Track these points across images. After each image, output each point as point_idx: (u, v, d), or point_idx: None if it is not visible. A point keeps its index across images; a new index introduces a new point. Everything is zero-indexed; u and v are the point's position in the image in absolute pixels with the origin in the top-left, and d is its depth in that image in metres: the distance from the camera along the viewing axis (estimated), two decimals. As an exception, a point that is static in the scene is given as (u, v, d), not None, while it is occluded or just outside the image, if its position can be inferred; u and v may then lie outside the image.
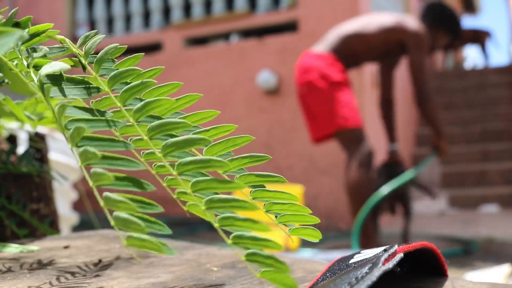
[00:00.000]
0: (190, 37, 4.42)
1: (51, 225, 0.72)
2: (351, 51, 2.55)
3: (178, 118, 0.38)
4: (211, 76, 4.20)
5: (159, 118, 0.38)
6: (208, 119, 0.41)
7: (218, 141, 0.39)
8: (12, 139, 0.72)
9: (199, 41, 4.46)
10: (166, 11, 4.68)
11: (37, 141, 0.74)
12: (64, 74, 0.39)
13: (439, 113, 2.64)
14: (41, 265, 0.48)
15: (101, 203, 0.30)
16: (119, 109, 0.38)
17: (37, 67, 0.40)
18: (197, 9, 4.38)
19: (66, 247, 0.57)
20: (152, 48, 4.50)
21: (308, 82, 2.52)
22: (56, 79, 0.38)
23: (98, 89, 0.39)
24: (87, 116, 0.36)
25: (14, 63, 0.41)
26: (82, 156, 0.30)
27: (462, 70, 7.51)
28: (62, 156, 1.77)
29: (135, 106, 0.36)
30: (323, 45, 2.60)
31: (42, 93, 0.37)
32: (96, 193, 0.31)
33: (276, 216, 0.40)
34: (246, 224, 0.32)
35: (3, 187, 0.66)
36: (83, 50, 0.41)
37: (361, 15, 3.73)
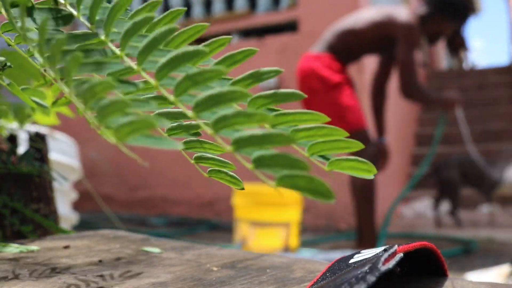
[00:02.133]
0: (190, 37, 4.42)
1: (51, 225, 0.72)
2: (346, 47, 2.53)
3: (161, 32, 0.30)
4: (211, 76, 4.21)
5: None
6: (196, 36, 0.34)
7: (216, 60, 0.34)
8: (12, 139, 0.72)
9: (199, 41, 4.46)
10: (166, 11, 4.68)
11: (37, 141, 0.74)
12: (34, 4, 0.36)
13: (428, 96, 2.63)
14: (41, 265, 0.48)
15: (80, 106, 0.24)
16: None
17: None
18: (197, 9, 4.38)
19: (66, 247, 0.57)
20: (152, 48, 4.50)
21: (308, 87, 2.51)
22: (26, 9, 0.35)
23: (70, 17, 0.35)
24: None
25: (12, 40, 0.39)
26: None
27: (462, 70, 7.52)
28: (62, 156, 1.77)
29: (121, 36, 0.31)
30: (320, 45, 2.59)
31: (8, 17, 0.33)
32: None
33: (306, 148, 0.31)
34: (240, 120, 0.24)
35: (3, 187, 0.66)
36: None
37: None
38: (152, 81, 0.28)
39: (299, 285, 0.40)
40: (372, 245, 2.38)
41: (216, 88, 0.26)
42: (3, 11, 0.35)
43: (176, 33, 0.32)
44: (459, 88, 6.04)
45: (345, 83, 2.49)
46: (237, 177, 0.31)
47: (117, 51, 0.31)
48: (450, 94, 2.66)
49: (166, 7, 4.64)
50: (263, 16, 4.12)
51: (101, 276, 0.43)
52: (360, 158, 0.30)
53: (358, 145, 0.31)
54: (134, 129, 0.22)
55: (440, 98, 2.65)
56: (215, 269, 0.46)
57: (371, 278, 0.27)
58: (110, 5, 0.33)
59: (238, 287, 0.39)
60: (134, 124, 0.22)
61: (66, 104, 0.45)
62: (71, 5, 0.36)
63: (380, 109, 2.83)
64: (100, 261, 0.50)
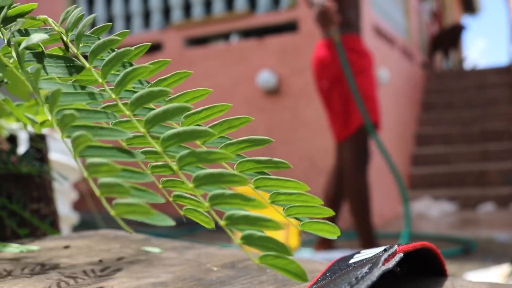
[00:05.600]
0: (190, 37, 4.42)
1: (52, 225, 0.72)
2: (348, 15, 2.33)
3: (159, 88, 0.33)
4: (211, 76, 4.20)
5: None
6: (199, 99, 0.37)
7: (212, 123, 0.36)
8: (12, 139, 0.72)
9: (199, 41, 4.47)
10: (166, 11, 4.68)
11: (37, 141, 0.74)
12: (45, 52, 0.37)
13: None
14: (41, 265, 0.48)
15: (84, 173, 0.27)
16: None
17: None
18: (197, 9, 4.38)
19: (66, 247, 0.58)
20: (152, 48, 4.50)
21: (330, 76, 2.34)
22: (38, 56, 0.36)
23: (80, 67, 0.36)
24: (69, 90, 0.34)
25: (11, 61, 0.39)
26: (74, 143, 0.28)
27: (462, 70, 7.52)
28: (62, 156, 1.78)
29: (116, 80, 0.33)
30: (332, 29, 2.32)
31: (21, 68, 0.35)
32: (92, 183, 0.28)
33: (283, 209, 0.35)
34: (236, 201, 0.27)
35: (3, 187, 0.66)
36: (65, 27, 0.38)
37: (361, 16, 3.73)
38: (158, 147, 0.31)
39: (299, 285, 0.40)
40: (371, 246, 2.34)
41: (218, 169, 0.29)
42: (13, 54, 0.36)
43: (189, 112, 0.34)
44: (459, 88, 6.05)
45: (371, 66, 2.35)
46: (209, 217, 0.33)
47: (127, 111, 0.33)
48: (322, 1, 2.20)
49: (166, 7, 4.64)
50: (263, 16, 4.12)
51: (101, 276, 0.43)
52: (328, 222, 0.35)
53: (330, 212, 0.35)
54: (132, 211, 0.26)
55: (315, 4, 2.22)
56: (215, 269, 0.46)
57: (371, 278, 0.27)
58: (125, 70, 0.34)
59: (238, 287, 0.39)
60: (132, 207, 0.26)
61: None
62: (83, 54, 0.38)
63: None
64: (100, 261, 0.50)
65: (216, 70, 4.20)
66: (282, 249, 0.26)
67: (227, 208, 0.28)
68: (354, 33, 2.34)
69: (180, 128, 0.29)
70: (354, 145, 2.34)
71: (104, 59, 0.36)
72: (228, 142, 0.35)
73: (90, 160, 0.27)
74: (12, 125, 0.73)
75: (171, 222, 0.27)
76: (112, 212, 0.26)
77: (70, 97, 0.34)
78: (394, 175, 2.33)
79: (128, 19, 4.78)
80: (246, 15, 4.18)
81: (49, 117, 0.31)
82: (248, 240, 0.27)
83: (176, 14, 4.46)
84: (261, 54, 4.06)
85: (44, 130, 1.09)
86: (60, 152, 1.76)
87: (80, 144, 0.28)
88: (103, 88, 0.35)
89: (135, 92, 0.34)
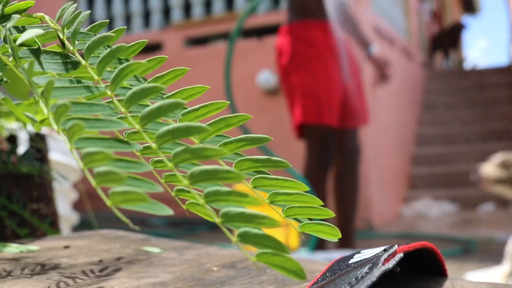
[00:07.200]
0: (190, 37, 4.42)
1: (51, 225, 0.72)
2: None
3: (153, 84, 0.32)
4: (211, 76, 4.20)
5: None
6: (196, 96, 0.36)
7: (210, 121, 0.35)
8: (12, 139, 0.72)
9: (199, 41, 4.46)
10: (166, 11, 4.68)
11: (37, 141, 0.74)
12: (42, 48, 0.37)
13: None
14: (41, 265, 0.48)
15: (81, 164, 0.26)
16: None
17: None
18: (197, 9, 4.38)
19: (66, 247, 0.57)
20: (152, 48, 4.50)
21: (280, 67, 2.19)
22: (34, 52, 0.36)
23: (77, 63, 0.36)
24: (65, 84, 0.34)
25: (10, 59, 0.39)
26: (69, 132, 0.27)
27: (462, 70, 7.52)
28: (62, 156, 1.77)
29: (111, 77, 0.33)
30: (288, 15, 2.21)
31: (15, 61, 0.35)
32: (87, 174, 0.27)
33: (282, 209, 0.35)
34: (232, 198, 0.27)
35: (3, 187, 0.66)
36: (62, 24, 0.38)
37: (361, 16, 3.73)
38: (153, 144, 0.30)
39: (299, 285, 0.40)
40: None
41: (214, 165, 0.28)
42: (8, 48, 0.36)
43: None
44: (459, 88, 6.04)
45: (323, 57, 2.06)
46: (212, 210, 0.32)
47: (122, 108, 0.32)
48: None
49: (166, 7, 4.64)
50: (263, 16, 4.12)
51: (101, 276, 0.43)
52: (328, 223, 0.34)
53: (330, 214, 0.34)
54: (128, 199, 0.25)
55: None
56: (215, 269, 0.46)
57: (371, 278, 0.27)
58: (120, 66, 0.33)
59: (238, 287, 0.39)
60: (128, 195, 0.25)
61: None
62: (79, 51, 0.37)
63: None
64: (100, 261, 0.50)
65: (216, 70, 4.19)
66: (279, 246, 0.25)
67: (222, 205, 0.27)
68: (311, 19, 2.11)
69: (174, 124, 0.29)
70: (307, 146, 2.11)
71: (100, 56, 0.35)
72: (226, 140, 0.35)
73: (86, 149, 0.26)
74: (12, 125, 0.73)
75: (169, 211, 0.26)
76: (108, 202, 0.25)
77: (66, 91, 0.33)
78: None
79: (128, 19, 4.78)
80: (246, 15, 4.18)
81: (45, 111, 0.31)
82: (244, 238, 0.26)
83: (176, 14, 4.46)
84: (261, 54, 4.06)
85: (44, 130, 1.09)
86: (60, 152, 1.76)
87: (75, 133, 0.27)
88: (99, 85, 0.35)
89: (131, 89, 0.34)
